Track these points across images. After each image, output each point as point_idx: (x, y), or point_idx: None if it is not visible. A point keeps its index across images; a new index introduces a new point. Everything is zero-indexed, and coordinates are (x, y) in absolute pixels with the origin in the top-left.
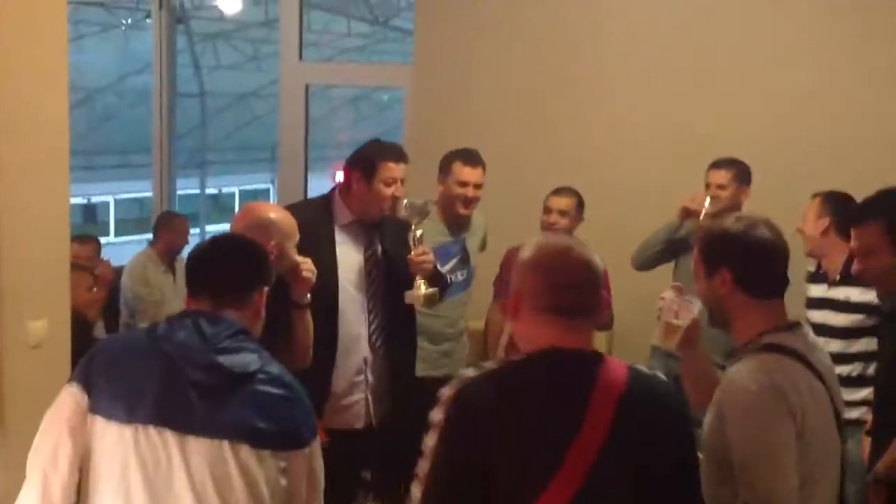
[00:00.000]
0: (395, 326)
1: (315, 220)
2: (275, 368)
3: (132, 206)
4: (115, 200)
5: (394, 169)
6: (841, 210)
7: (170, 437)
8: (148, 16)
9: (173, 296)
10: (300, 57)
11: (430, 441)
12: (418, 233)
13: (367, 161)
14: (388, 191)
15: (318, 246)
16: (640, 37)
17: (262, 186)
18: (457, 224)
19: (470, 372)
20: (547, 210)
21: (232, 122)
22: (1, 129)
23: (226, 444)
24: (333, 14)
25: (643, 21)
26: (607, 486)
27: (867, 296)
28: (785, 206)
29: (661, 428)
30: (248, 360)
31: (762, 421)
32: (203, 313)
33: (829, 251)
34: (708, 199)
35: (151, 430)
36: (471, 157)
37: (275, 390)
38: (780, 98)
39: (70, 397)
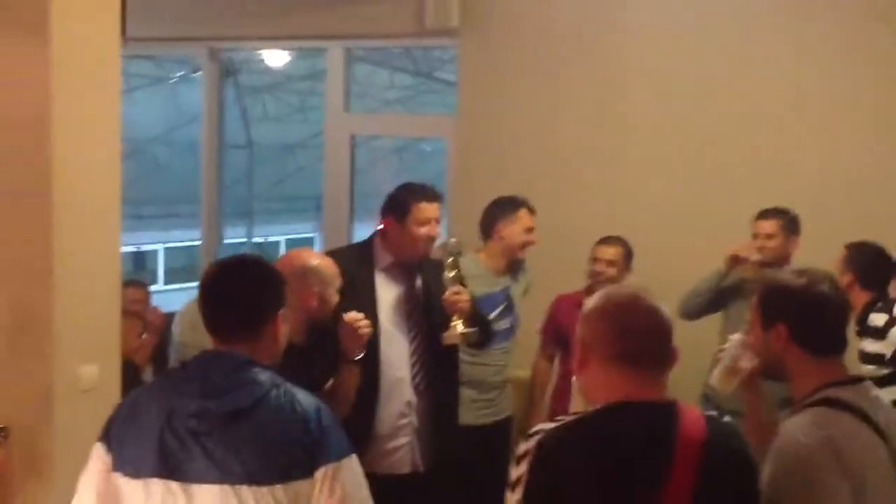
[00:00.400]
0: (439, 369)
1: (355, 264)
2: (282, 393)
3: (180, 254)
4: (164, 248)
5: (426, 209)
6: (862, 264)
7: (176, 488)
8: (196, 69)
9: None
10: (346, 108)
11: (512, 498)
12: (452, 273)
13: (399, 204)
14: (423, 231)
15: (358, 290)
16: (686, 88)
17: (307, 235)
18: (515, 269)
19: (548, 424)
20: (594, 260)
21: (277, 173)
22: (55, 177)
23: (227, 489)
24: (376, 66)
25: (691, 68)
26: None
27: (876, 346)
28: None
29: (742, 474)
30: (246, 394)
31: (812, 476)
32: (207, 354)
33: (855, 304)
34: (756, 249)
35: (159, 483)
36: (531, 205)
37: (279, 418)
38: (826, 147)
39: (97, 458)
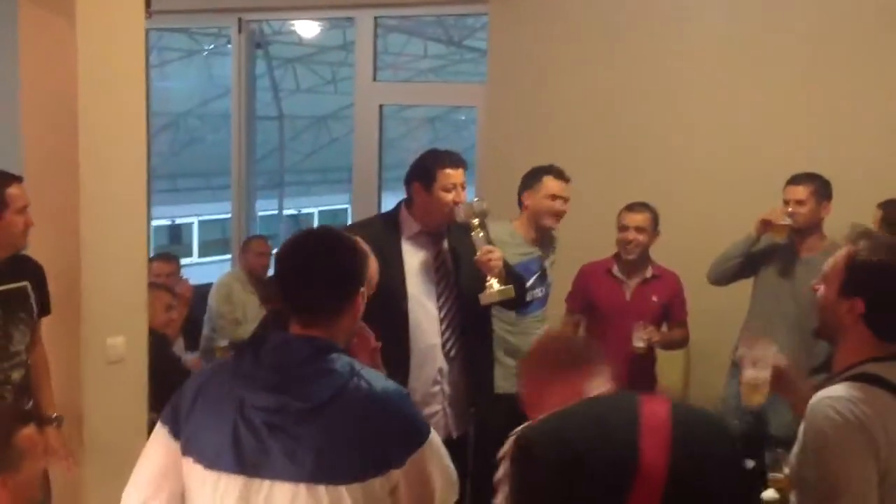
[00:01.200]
0: (471, 336)
1: (381, 234)
2: (360, 383)
3: (215, 227)
4: (199, 221)
5: (452, 174)
6: None
7: (254, 485)
8: (229, 41)
9: (256, 316)
10: (374, 77)
11: (498, 498)
12: (481, 233)
13: (424, 171)
14: (449, 196)
15: (386, 259)
16: (720, 58)
17: (341, 207)
18: (543, 239)
19: (525, 425)
20: (622, 227)
21: (311, 144)
22: (83, 153)
23: (303, 487)
24: (410, 36)
25: (724, 43)
26: None
27: None
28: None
29: (714, 461)
30: (325, 387)
31: (841, 455)
32: (282, 337)
33: None
34: (787, 214)
35: (237, 479)
36: (561, 172)
37: (356, 412)
38: (858, 126)
39: (159, 443)
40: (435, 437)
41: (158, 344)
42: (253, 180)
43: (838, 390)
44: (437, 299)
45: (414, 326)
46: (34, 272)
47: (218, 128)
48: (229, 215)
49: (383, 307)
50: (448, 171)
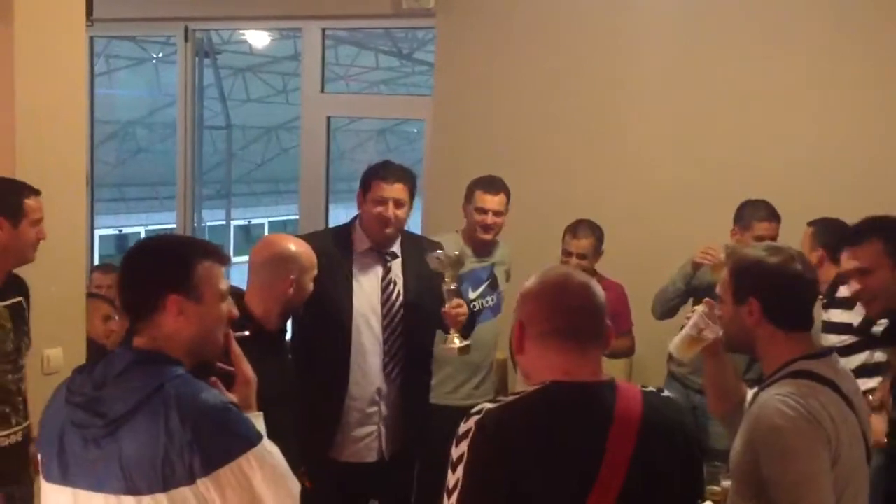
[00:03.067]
0: (412, 357)
1: (333, 248)
2: (170, 393)
3: None
4: (146, 231)
5: (385, 188)
6: (831, 239)
7: (78, 495)
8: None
9: None
10: (322, 89)
11: (452, 478)
12: (453, 286)
13: (363, 181)
14: (377, 210)
15: (335, 274)
16: (663, 71)
17: (292, 217)
18: (480, 249)
19: (488, 404)
20: (566, 252)
21: (261, 155)
22: (19, 160)
23: (112, 498)
24: (361, 49)
25: (667, 55)
26: None
27: (844, 316)
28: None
29: (678, 452)
30: (126, 398)
31: (800, 449)
32: (111, 351)
33: (825, 278)
34: (724, 253)
35: (64, 491)
36: (491, 185)
37: (157, 423)
38: (799, 134)
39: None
40: (264, 452)
41: (97, 355)
42: (199, 190)
43: (783, 388)
44: (382, 319)
45: (356, 345)
46: (25, 289)
47: (166, 137)
48: (175, 225)
49: (328, 322)
50: (381, 183)
